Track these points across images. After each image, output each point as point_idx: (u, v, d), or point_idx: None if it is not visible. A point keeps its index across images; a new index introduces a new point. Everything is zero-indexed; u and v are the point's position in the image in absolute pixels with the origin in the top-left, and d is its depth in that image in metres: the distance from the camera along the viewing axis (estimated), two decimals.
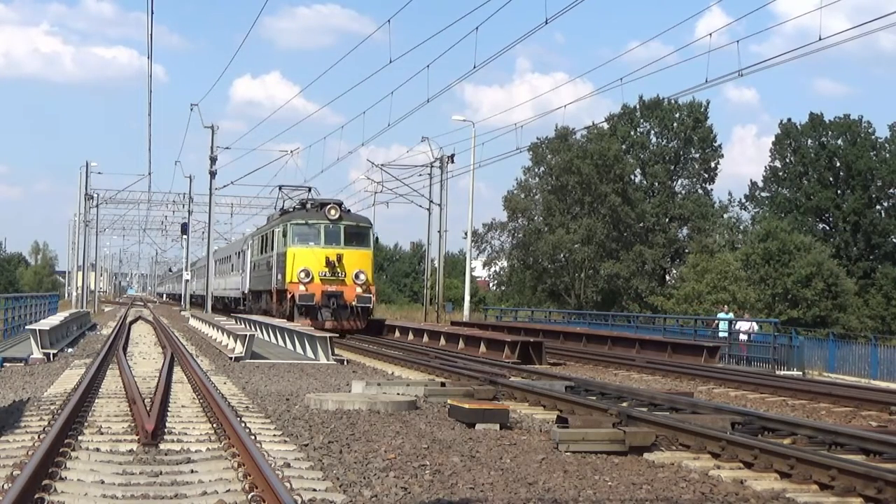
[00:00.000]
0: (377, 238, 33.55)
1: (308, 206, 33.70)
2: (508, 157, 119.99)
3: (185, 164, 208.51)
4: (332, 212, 31.29)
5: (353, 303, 30.25)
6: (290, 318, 29.72)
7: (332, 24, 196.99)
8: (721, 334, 31.17)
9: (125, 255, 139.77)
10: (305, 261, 30.59)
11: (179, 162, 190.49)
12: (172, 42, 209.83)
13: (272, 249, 33.83)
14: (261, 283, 36.80)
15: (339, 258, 30.40)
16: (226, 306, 48.40)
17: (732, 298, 49.44)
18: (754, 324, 32.18)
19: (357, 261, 30.91)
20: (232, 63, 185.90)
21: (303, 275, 30.22)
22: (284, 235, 31.86)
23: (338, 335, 25.51)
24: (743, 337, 30.07)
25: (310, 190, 37.24)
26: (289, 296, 30.70)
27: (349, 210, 34.30)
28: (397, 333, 30.88)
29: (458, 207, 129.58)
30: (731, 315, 34.18)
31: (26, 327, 24.23)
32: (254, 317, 31.98)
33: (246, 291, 41.49)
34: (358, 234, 31.92)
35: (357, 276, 30.51)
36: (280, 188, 39.03)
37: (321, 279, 30.31)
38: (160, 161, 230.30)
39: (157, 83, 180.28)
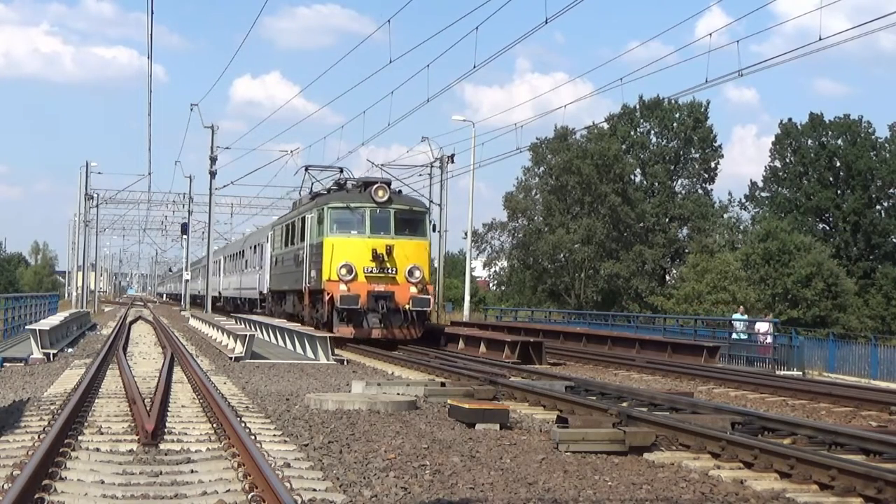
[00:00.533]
0: (435, 226, 28.59)
1: (348, 186, 27.28)
2: (508, 157, 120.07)
3: (185, 164, 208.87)
4: (380, 193, 25.06)
5: (408, 306, 24.41)
6: (329, 327, 24.34)
7: (332, 24, 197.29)
8: (736, 335, 30.49)
9: (125, 255, 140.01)
10: (347, 253, 24.62)
11: (179, 162, 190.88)
12: (172, 42, 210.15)
13: (302, 240, 27.71)
14: (286, 282, 30.73)
15: (389, 250, 24.52)
16: (237, 308, 43.85)
17: (732, 298, 49.42)
18: (770, 325, 30.90)
19: (411, 253, 24.95)
20: (232, 63, 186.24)
21: (344, 271, 24.20)
22: (320, 222, 25.66)
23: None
24: (764, 338, 29.12)
25: (341, 171, 30.16)
26: (326, 297, 24.70)
27: (400, 191, 28.07)
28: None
29: (458, 207, 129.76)
30: (745, 316, 33.13)
31: (26, 327, 24.24)
32: (254, 317, 31.74)
33: (265, 291, 36.07)
34: (412, 220, 25.81)
35: (411, 273, 24.54)
36: (307, 169, 31.72)
37: (366, 276, 24.46)
38: (160, 161, 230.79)
39: (157, 83, 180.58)
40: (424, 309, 24.94)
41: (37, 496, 6.72)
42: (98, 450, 8.77)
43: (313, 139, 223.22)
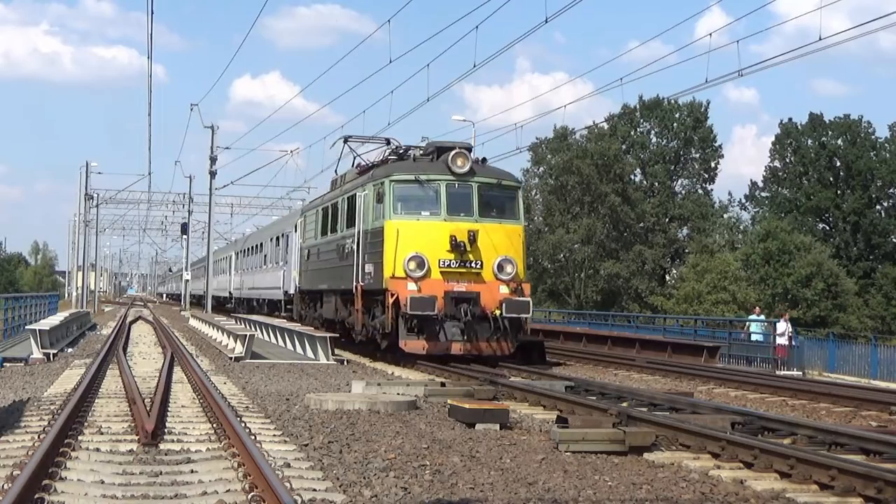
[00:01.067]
0: (528, 207, 21.76)
1: (415, 154, 21.04)
2: (508, 157, 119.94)
3: (185, 164, 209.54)
4: (460, 161, 19.27)
5: (497, 312, 18.66)
6: (393, 339, 19.12)
7: (332, 24, 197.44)
8: (755, 337, 29.81)
9: (125, 255, 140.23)
10: (417, 241, 18.88)
11: (179, 162, 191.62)
12: (172, 42, 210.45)
13: (349, 226, 21.65)
14: (324, 280, 24.49)
15: (473, 237, 18.81)
16: (253, 312, 38.61)
17: (732, 298, 49.44)
18: (789, 325, 29.14)
19: (500, 242, 19.24)
20: (232, 63, 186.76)
21: (413, 265, 18.56)
22: (379, 200, 19.68)
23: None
24: (783, 340, 27.91)
25: (388, 142, 23.43)
26: (389, 300, 18.75)
27: (484, 159, 21.04)
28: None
29: None
30: (763, 317, 32.13)
31: (26, 327, 24.24)
32: (254, 317, 31.65)
33: (292, 292, 30.00)
34: (500, 197, 20.07)
35: (501, 268, 18.92)
36: (346, 140, 25.07)
37: (442, 272, 18.73)
38: (160, 161, 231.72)
39: (157, 83, 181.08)
40: (521, 315, 18.98)
41: (37, 496, 6.72)
42: (98, 450, 8.77)
43: (313, 139, 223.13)
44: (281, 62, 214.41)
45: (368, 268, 20.02)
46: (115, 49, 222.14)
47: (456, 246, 18.72)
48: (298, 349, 23.02)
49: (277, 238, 35.34)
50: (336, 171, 26.20)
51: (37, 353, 19.95)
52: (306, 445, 9.42)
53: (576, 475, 8.37)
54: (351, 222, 21.52)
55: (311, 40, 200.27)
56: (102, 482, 7.44)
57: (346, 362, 20.46)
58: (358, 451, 9.18)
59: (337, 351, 21.52)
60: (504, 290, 18.92)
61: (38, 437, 8.98)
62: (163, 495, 7.08)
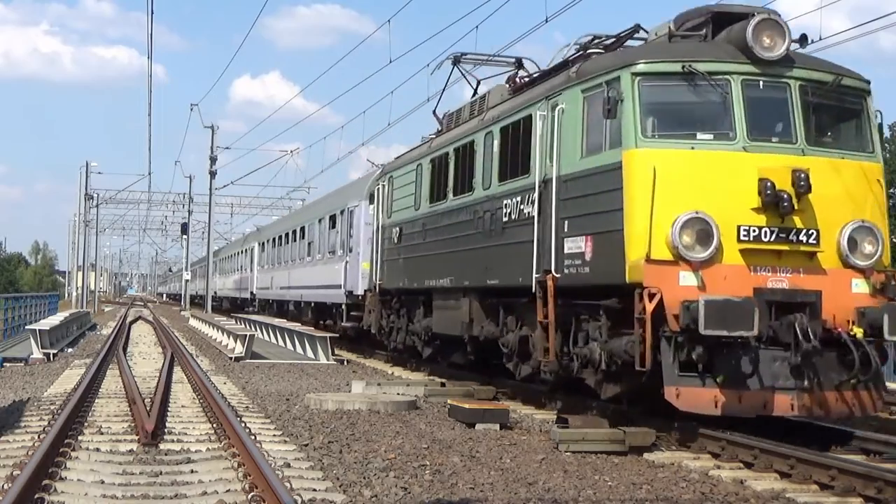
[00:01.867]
0: (882, 127, 9.68)
1: (670, 30, 10.89)
2: None
3: (185, 164, 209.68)
4: (767, 39, 9.94)
5: (859, 331, 9.53)
6: (646, 382, 9.62)
7: (332, 24, 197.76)
8: None
9: (125, 255, 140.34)
10: (693, 191, 9.72)
11: (179, 162, 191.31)
12: (172, 42, 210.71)
13: (512, 175, 12.53)
14: (440, 272, 15.05)
15: (803, 184, 9.53)
16: (284, 316, 30.65)
17: None
18: None
19: (850, 194, 10.13)
20: (232, 63, 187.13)
21: (689, 237, 9.49)
22: (609, 114, 9.89)
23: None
24: None
25: (520, 64, 15.40)
26: (647, 304, 9.27)
27: (804, 36, 10.73)
28: None
29: None
30: None
31: (26, 327, 24.27)
32: (253, 316, 31.65)
33: (361, 292, 20.87)
34: (841, 111, 10.76)
35: (854, 244, 9.93)
36: (456, 61, 16.86)
37: (744, 251, 9.62)
38: (160, 161, 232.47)
39: (157, 83, 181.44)
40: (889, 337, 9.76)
41: (37, 496, 6.73)
42: (98, 450, 8.78)
43: (313, 139, 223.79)
44: (281, 62, 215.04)
45: (574, 244, 10.82)
46: (115, 49, 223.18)
47: (773, 200, 9.63)
48: (298, 349, 23.02)
49: (333, 217, 25.43)
50: (434, 111, 17.89)
51: (37, 353, 19.95)
52: (306, 445, 9.42)
53: (576, 475, 8.37)
54: (514, 168, 12.49)
55: (311, 40, 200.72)
56: (102, 482, 7.44)
57: (345, 362, 20.45)
58: (358, 451, 9.18)
59: (336, 351, 21.52)
60: (861, 286, 10.04)
61: (38, 437, 8.99)
62: (163, 495, 7.08)
